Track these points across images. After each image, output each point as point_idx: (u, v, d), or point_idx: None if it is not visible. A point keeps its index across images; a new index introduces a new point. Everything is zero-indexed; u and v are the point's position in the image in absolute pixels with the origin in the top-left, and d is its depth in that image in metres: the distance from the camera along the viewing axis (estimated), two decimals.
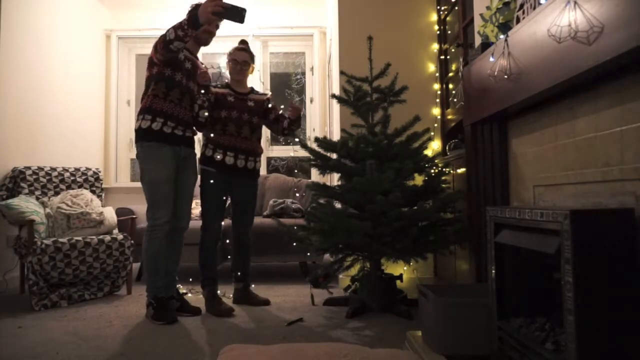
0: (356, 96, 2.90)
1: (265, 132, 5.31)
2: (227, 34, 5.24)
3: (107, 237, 3.14)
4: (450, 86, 3.55)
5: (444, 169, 2.94)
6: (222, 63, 5.66)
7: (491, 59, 1.96)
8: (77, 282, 3.06)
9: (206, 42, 2.84)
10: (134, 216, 3.50)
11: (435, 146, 3.59)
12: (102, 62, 5.14)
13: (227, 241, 3.45)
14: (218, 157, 2.90)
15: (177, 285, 2.84)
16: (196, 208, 3.84)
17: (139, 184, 5.39)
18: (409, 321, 2.53)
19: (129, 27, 5.16)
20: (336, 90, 3.69)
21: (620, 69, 1.33)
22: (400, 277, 2.90)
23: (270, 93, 3.15)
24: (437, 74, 3.67)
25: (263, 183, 4.53)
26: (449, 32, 3.63)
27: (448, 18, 3.64)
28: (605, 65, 1.29)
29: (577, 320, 1.19)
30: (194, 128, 2.86)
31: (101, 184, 3.86)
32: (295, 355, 1.69)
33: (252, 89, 3.14)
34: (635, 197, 1.27)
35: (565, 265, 1.22)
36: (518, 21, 1.84)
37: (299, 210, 4.05)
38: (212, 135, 2.93)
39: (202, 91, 2.83)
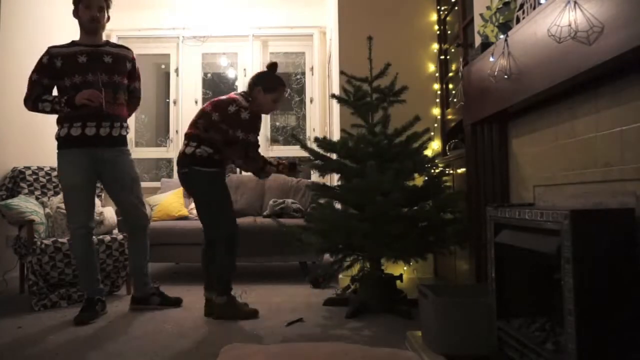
0: (356, 96, 2.90)
1: (265, 132, 5.32)
2: (227, 34, 5.26)
3: (107, 237, 3.14)
4: (450, 86, 3.55)
5: (444, 169, 2.93)
6: (223, 63, 5.68)
7: (491, 59, 1.96)
8: (77, 282, 3.06)
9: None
10: None
11: (435, 146, 3.59)
12: None
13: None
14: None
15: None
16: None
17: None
18: (409, 321, 2.52)
19: (129, 27, 5.16)
20: (336, 90, 3.68)
21: (620, 69, 1.33)
22: (400, 277, 2.89)
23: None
24: (437, 74, 3.67)
25: (263, 183, 4.53)
26: (449, 32, 3.63)
27: (448, 18, 3.64)
28: (605, 65, 1.29)
29: (577, 320, 1.18)
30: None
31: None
32: (295, 355, 1.69)
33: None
34: (635, 197, 1.27)
35: (565, 265, 1.22)
36: (518, 21, 1.84)
37: (299, 210, 4.04)
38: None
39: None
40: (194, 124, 2.67)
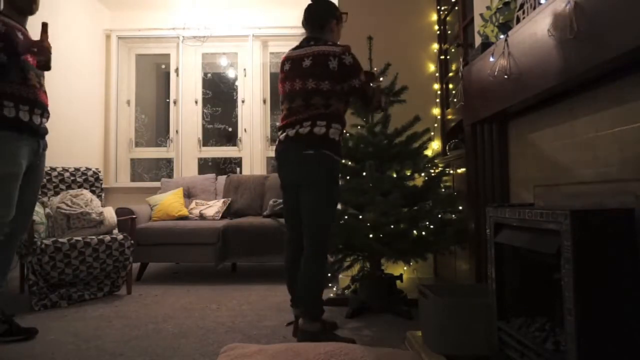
0: None
1: (265, 131, 5.32)
2: (227, 34, 5.26)
3: (107, 237, 3.14)
4: (450, 86, 3.55)
5: (444, 169, 2.94)
6: (223, 63, 5.68)
7: (491, 59, 1.96)
8: (77, 282, 3.06)
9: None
10: (134, 216, 3.50)
11: (435, 146, 3.59)
12: (102, 62, 5.14)
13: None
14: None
15: None
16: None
17: (138, 184, 5.41)
18: (409, 321, 2.53)
19: (129, 27, 5.16)
20: None
21: (620, 69, 1.33)
22: (400, 277, 2.89)
23: None
24: (437, 74, 3.67)
25: (263, 183, 4.53)
26: (449, 32, 3.63)
27: (448, 18, 3.64)
28: (605, 65, 1.29)
29: (577, 320, 1.18)
30: None
31: (101, 184, 3.86)
32: (295, 355, 1.69)
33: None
34: (635, 197, 1.27)
35: (565, 265, 1.22)
36: (518, 21, 1.84)
37: None
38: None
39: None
40: (306, 106, 2.17)
